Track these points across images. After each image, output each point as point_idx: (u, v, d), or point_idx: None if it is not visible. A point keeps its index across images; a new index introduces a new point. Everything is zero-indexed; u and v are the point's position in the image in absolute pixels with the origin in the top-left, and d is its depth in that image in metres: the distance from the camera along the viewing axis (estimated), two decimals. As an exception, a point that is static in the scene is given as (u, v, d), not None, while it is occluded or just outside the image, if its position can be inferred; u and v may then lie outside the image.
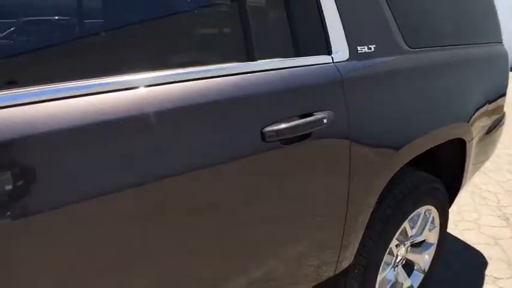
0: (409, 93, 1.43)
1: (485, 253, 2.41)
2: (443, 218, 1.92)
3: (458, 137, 1.75)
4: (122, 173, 0.79)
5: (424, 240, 1.93)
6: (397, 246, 1.74)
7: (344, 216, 1.30)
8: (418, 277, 1.95)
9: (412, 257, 1.88)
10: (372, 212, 1.53)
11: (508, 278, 2.20)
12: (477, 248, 2.45)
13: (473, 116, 1.84)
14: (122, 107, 0.80)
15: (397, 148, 1.37)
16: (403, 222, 1.64)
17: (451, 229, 2.64)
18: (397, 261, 1.81)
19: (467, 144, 1.84)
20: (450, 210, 2.86)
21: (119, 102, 0.80)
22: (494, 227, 2.65)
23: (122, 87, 0.83)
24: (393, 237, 1.62)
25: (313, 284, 1.39)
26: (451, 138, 1.69)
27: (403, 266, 1.88)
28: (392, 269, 1.78)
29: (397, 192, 1.59)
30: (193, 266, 0.97)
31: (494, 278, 2.21)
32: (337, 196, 1.25)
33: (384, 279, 1.76)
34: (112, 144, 0.78)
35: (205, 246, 0.97)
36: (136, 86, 0.84)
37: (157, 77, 0.87)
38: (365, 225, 1.42)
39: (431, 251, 1.95)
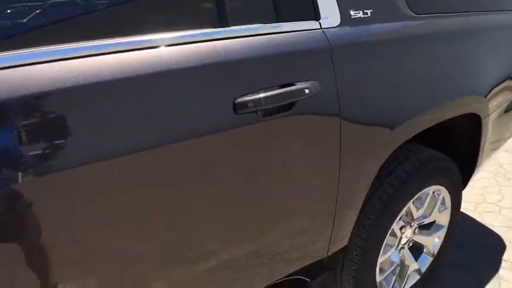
0: (412, 64, 1.32)
1: (504, 237, 2.27)
2: (456, 199, 1.81)
3: (472, 112, 1.62)
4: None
5: (434, 222, 1.83)
6: (402, 227, 1.65)
7: (335, 197, 1.22)
8: (426, 260, 1.86)
9: (419, 239, 1.78)
10: (371, 192, 1.44)
11: (527, 263, 2.07)
12: (496, 231, 2.32)
13: (490, 90, 1.70)
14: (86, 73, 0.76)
15: (395, 124, 1.27)
16: (407, 202, 1.55)
17: (470, 211, 2.51)
18: (403, 243, 1.72)
19: (483, 121, 1.70)
20: (471, 191, 2.71)
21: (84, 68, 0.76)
22: (517, 209, 2.50)
23: (84, 55, 0.78)
24: (395, 218, 1.53)
25: (305, 264, 1.33)
26: (462, 113, 1.56)
27: (411, 249, 1.79)
28: (397, 251, 1.69)
29: (401, 171, 1.49)
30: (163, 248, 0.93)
31: (512, 263, 2.09)
32: (326, 176, 1.17)
33: (386, 261, 1.67)
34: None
35: (176, 225, 0.93)
36: (102, 52, 0.79)
37: (122, 43, 0.82)
38: (360, 207, 1.34)
39: (442, 233, 1.85)
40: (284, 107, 0.99)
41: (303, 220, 1.21)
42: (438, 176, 1.64)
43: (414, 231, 1.74)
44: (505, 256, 2.13)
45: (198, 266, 1.03)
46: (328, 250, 1.33)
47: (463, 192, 2.67)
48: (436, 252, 1.87)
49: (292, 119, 1.01)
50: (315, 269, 1.40)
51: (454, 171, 1.71)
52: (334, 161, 1.16)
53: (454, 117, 1.65)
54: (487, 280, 1.99)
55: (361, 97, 1.18)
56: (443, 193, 1.72)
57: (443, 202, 1.77)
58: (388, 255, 1.64)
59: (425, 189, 1.61)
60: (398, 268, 1.71)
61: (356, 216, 1.35)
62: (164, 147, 0.85)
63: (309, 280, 1.42)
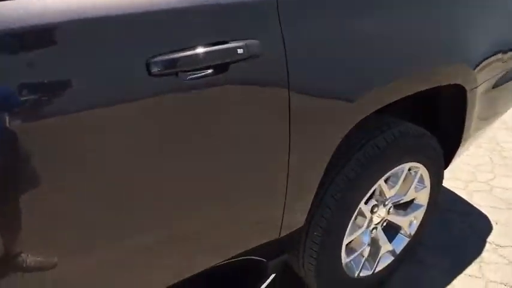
0: (381, 23, 1.17)
1: (492, 217, 2.15)
2: (436, 177, 1.68)
3: (456, 83, 1.47)
4: None
5: (412, 201, 1.71)
6: (374, 206, 1.53)
7: (284, 176, 1.11)
8: (402, 241, 1.75)
9: (395, 219, 1.67)
10: (338, 169, 1.33)
11: (512, 246, 1.96)
12: (484, 212, 2.20)
13: (480, 61, 1.54)
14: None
15: (356, 95, 1.13)
16: (377, 180, 1.43)
17: (459, 189, 2.38)
18: (376, 223, 1.61)
19: (468, 94, 1.55)
20: (463, 168, 2.58)
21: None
22: (508, 189, 2.36)
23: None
24: (364, 197, 1.42)
25: (255, 245, 1.23)
26: (442, 84, 1.41)
27: (386, 229, 1.68)
28: (368, 231, 1.58)
29: (372, 147, 1.36)
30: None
31: (497, 245, 1.97)
32: (271, 153, 1.05)
33: (355, 242, 1.57)
34: None
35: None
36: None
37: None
38: (316, 187, 1.22)
39: (420, 213, 1.74)
40: (213, 70, 0.86)
41: (246, 199, 1.10)
42: (415, 153, 1.51)
43: (389, 211, 1.63)
44: (490, 238, 2.02)
45: (128, 245, 0.93)
46: (280, 231, 1.23)
47: (454, 169, 2.57)
48: (412, 233, 1.76)
49: (225, 86, 0.88)
50: (270, 250, 1.30)
51: (434, 147, 1.58)
52: (281, 137, 1.04)
53: (436, 88, 1.51)
54: (469, 262, 1.89)
55: (316, 62, 1.04)
56: (421, 171, 1.60)
57: (421, 180, 1.64)
58: (357, 236, 1.54)
59: (400, 167, 1.48)
60: (369, 249, 1.61)
61: (312, 196, 1.23)
62: (66, 116, 0.73)
63: (265, 260, 1.33)
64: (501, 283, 1.77)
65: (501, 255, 1.91)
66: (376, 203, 1.53)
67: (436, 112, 1.70)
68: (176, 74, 0.81)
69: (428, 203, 1.73)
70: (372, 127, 1.42)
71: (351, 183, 1.34)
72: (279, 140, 1.04)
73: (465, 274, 1.82)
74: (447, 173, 2.50)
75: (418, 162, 1.54)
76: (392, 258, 1.73)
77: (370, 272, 1.66)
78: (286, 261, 1.47)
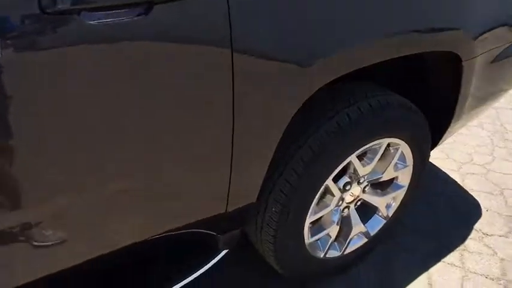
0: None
1: (483, 204, 2.00)
2: (420, 156, 1.52)
3: (448, 50, 1.29)
4: None
5: (392, 181, 1.57)
6: (347, 184, 1.39)
7: (228, 146, 0.97)
8: (377, 223, 1.62)
9: (370, 199, 1.53)
10: (301, 141, 1.18)
11: (500, 235, 1.82)
12: (476, 197, 2.04)
13: (482, 27, 1.35)
14: None
15: (313, 59, 0.97)
16: (348, 156, 1.28)
17: (452, 171, 2.22)
18: (348, 201, 1.48)
19: (464, 64, 1.36)
20: (460, 148, 2.40)
21: None
22: (506, 174, 2.20)
23: None
24: (331, 173, 1.27)
25: (200, 218, 1.11)
26: (429, 50, 1.23)
27: (361, 209, 1.55)
28: (338, 210, 1.45)
29: (343, 117, 1.21)
30: None
31: (484, 234, 1.83)
32: (210, 117, 0.91)
33: (322, 221, 1.45)
34: None
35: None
36: None
37: None
38: (268, 160, 1.08)
39: (400, 194, 1.59)
40: (129, 10, 0.70)
41: (183, 168, 0.97)
42: (396, 127, 1.35)
43: (364, 190, 1.49)
44: (477, 225, 1.88)
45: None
46: (227, 205, 1.10)
47: (450, 148, 2.40)
48: (390, 215, 1.62)
49: (145, 33, 0.73)
50: (220, 224, 1.18)
51: (419, 123, 1.41)
52: (223, 100, 0.89)
53: (426, 56, 1.33)
54: (450, 250, 1.76)
55: (266, 14, 0.87)
56: (403, 148, 1.44)
57: (402, 159, 1.49)
58: (324, 215, 1.40)
59: (377, 142, 1.33)
60: (338, 229, 1.48)
61: (264, 169, 1.09)
62: None
63: (215, 234, 1.21)
64: (481, 274, 1.64)
65: (486, 245, 1.77)
66: (349, 180, 1.39)
67: (426, 84, 1.52)
68: (78, 12, 0.66)
69: (410, 184, 1.58)
70: (346, 95, 1.26)
71: (315, 156, 1.19)
72: (220, 104, 0.89)
73: (444, 262, 1.70)
74: (441, 152, 2.36)
75: (398, 138, 1.38)
76: (366, 240, 1.60)
77: (338, 253, 1.54)
78: (247, 237, 1.35)
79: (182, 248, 1.27)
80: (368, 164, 1.38)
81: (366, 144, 1.30)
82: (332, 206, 1.38)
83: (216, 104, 0.90)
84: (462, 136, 2.51)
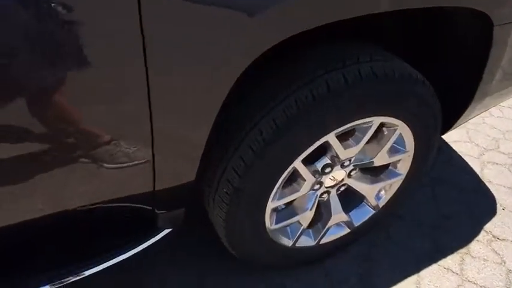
0: None
1: (500, 200, 1.71)
2: (425, 142, 1.24)
3: (477, 9, 0.98)
4: None
5: (387, 167, 1.30)
6: (326, 166, 1.14)
7: (145, 118, 0.76)
8: (364, 213, 1.37)
9: (356, 185, 1.28)
10: (261, 114, 0.94)
11: (513, 242, 1.54)
12: (493, 191, 1.75)
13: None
14: None
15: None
16: (324, 134, 1.02)
17: (472, 158, 1.91)
18: (329, 185, 1.23)
19: (496, 30, 1.05)
20: (486, 132, 2.07)
21: None
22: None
23: None
24: (299, 154, 1.03)
25: (124, 195, 0.91)
26: (448, 5, 0.93)
27: (345, 195, 1.31)
28: (315, 195, 1.21)
29: (321, 86, 0.94)
30: None
31: (493, 237, 1.56)
32: (122, 90, 0.70)
33: (291, 206, 1.22)
34: None
35: None
36: None
37: None
38: (205, 136, 0.86)
39: (396, 183, 1.33)
40: None
41: (99, 144, 0.76)
42: (392, 104, 1.07)
43: (350, 174, 1.24)
44: (488, 226, 1.60)
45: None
46: (154, 183, 0.89)
47: (474, 130, 2.07)
48: (382, 205, 1.37)
49: None
50: (154, 202, 0.98)
51: (426, 101, 1.12)
52: (130, 62, 0.67)
53: (448, 14, 1.03)
54: (450, 251, 1.51)
55: None
56: (402, 130, 1.16)
57: (401, 143, 1.22)
58: (293, 199, 1.18)
59: (364, 121, 1.06)
60: (311, 216, 1.25)
61: (200, 146, 0.87)
62: None
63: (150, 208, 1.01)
64: (481, 286, 1.39)
65: (494, 251, 1.51)
66: (329, 162, 1.14)
67: (444, 52, 1.21)
68: None
69: (409, 173, 1.32)
70: (331, 57, 0.99)
71: (279, 133, 0.95)
72: (129, 66, 0.67)
73: (440, 265, 1.45)
74: (462, 133, 2.04)
75: (396, 117, 1.11)
76: (348, 230, 1.37)
77: (312, 243, 1.32)
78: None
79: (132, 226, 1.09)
80: (353, 145, 1.12)
81: (350, 123, 1.03)
82: (303, 192, 1.15)
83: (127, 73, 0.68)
84: (492, 118, 2.17)
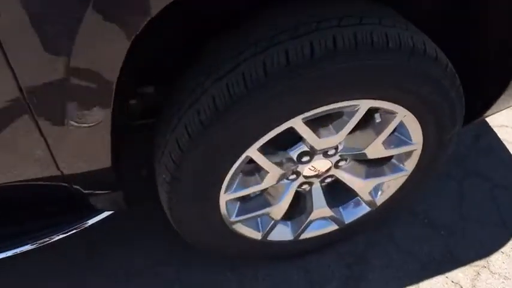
0: None
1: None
2: (438, 134, 0.98)
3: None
4: None
5: (389, 159, 1.06)
6: (303, 155, 0.93)
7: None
8: (358, 211, 1.16)
9: (345, 177, 1.06)
10: (197, 93, 0.75)
11: (547, 262, 1.26)
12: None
13: None
14: None
15: None
16: (284, 118, 0.80)
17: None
18: (309, 175, 1.02)
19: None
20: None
21: None
22: None
23: None
24: (253, 140, 0.82)
25: (31, 177, 0.78)
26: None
27: (335, 187, 1.10)
28: (292, 186, 1.01)
29: (272, 56, 0.71)
30: None
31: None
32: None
33: (260, 198, 1.03)
34: None
35: None
36: None
37: None
38: (107, 119, 0.69)
39: (399, 179, 1.09)
40: None
41: None
42: (384, 85, 0.82)
43: (337, 164, 1.02)
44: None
45: None
46: (58, 168, 0.74)
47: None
48: (379, 203, 1.14)
49: None
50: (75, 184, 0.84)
51: (440, 84, 0.85)
52: None
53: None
54: (465, 263, 1.26)
55: None
56: (404, 119, 0.91)
57: (405, 133, 0.96)
58: (259, 190, 0.99)
59: (347, 104, 0.82)
60: (285, 209, 1.06)
61: (104, 130, 0.70)
62: None
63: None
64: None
65: (496, 273, 1.23)
66: (306, 150, 0.93)
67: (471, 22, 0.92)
68: None
69: (417, 169, 1.07)
70: (301, 16, 0.75)
71: (222, 113, 0.74)
72: None
73: (448, 278, 1.23)
74: (502, 115, 1.68)
75: (392, 102, 0.85)
76: (336, 227, 1.17)
77: (290, 237, 1.14)
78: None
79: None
80: (333, 134, 0.89)
81: (321, 106, 0.80)
82: (267, 184, 0.95)
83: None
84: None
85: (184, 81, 0.83)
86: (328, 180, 1.07)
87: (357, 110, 0.84)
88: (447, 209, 1.39)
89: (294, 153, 0.93)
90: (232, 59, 0.75)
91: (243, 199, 1.01)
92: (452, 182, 1.47)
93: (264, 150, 0.88)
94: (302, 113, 0.79)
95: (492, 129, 1.65)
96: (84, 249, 1.21)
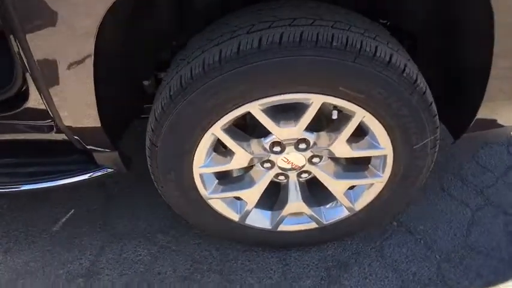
0: None
1: None
2: (407, 146, 1.00)
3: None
4: None
5: (366, 165, 1.10)
6: (275, 145, 1.03)
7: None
8: (336, 212, 1.20)
9: (319, 175, 1.12)
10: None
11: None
12: None
13: None
14: None
15: None
16: (240, 102, 0.91)
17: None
18: (284, 167, 1.10)
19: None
20: None
21: None
22: None
23: None
24: (213, 119, 0.94)
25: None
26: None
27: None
28: (268, 174, 1.11)
29: (228, 48, 0.85)
30: None
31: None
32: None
33: (235, 180, 1.15)
34: None
35: None
36: None
37: None
38: (89, 82, 0.87)
39: (374, 185, 1.12)
40: None
41: None
42: (327, 81, 0.88)
43: (311, 160, 1.09)
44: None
45: None
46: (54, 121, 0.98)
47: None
48: (357, 208, 1.17)
49: None
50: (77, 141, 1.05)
51: (396, 91, 0.89)
52: None
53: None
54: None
55: None
56: (367, 120, 0.96)
57: (373, 136, 1.00)
58: (241, 172, 1.11)
59: (298, 97, 0.91)
60: (258, 196, 1.14)
61: (88, 92, 0.90)
62: None
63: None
64: None
65: None
66: (277, 140, 1.02)
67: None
68: None
69: (393, 177, 1.08)
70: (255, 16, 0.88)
71: (184, 92, 0.89)
72: None
73: (425, 299, 1.18)
74: None
75: (348, 100, 0.91)
76: (316, 226, 1.22)
77: (269, 226, 1.22)
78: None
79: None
80: (292, 125, 0.97)
81: (273, 95, 0.90)
82: (235, 165, 1.06)
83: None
84: None
85: (171, 66, 1.00)
86: (306, 175, 1.14)
87: (311, 104, 0.93)
88: (451, 235, 1.34)
89: (266, 142, 1.03)
90: (199, 48, 0.90)
91: (222, 178, 1.13)
92: (466, 209, 1.41)
93: (235, 133, 1.01)
94: (254, 99, 0.90)
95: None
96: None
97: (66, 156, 1.13)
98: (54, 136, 1.06)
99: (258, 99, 0.91)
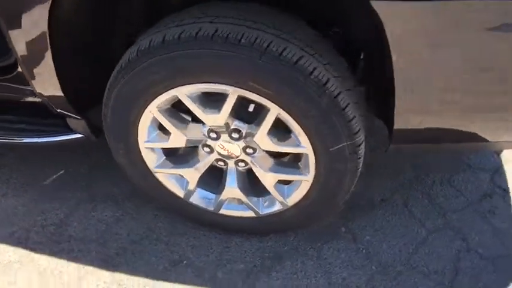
0: None
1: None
2: (321, 141, 1.04)
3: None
4: None
5: (297, 162, 1.16)
6: (211, 131, 1.13)
7: None
8: (271, 205, 1.26)
9: (253, 166, 1.19)
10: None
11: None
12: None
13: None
14: None
15: None
16: (169, 85, 1.02)
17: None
18: (223, 154, 1.20)
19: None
20: None
21: None
22: None
23: None
24: (147, 98, 1.07)
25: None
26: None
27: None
28: (208, 158, 1.21)
29: (156, 37, 0.97)
30: None
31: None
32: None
33: (180, 158, 1.27)
34: None
35: None
36: None
37: None
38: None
39: (299, 182, 1.17)
40: None
41: None
42: (246, 77, 0.97)
43: (245, 150, 1.17)
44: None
45: None
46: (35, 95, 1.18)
47: None
48: (289, 203, 1.23)
49: None
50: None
51: (301, 90, 0.95)
52: None
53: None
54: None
55: None
56: (283, 116, 1.02)
57: (295, 134, 1.06)
58: (173, 147, 1.22)
59: (217, 87, 1.01)
60: (197, 177, 1.25)
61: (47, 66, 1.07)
62: None
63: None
64: None
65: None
66: (217, 127, 1.13)
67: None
68: None
69: (317, 178, 1.13)
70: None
71: (123, 73, 1.04)
72: None
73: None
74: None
75: (261, 95, 0.99)
76: (253, 215, 1.30)
77: (212, 208, 1.32)
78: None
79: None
80: (217, 112, 1.07)
81: (194, 83, 1.01)
82: (172, 144, 1.18)
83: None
84: None
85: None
86: (243, 165, 1.23)
87: (228, 95, 1.02)
88: (395, 250, 1.34)
89: (205, 127, 1.14)
90: (148, 34, 1.03)
91: (168, 154, 1.26)
92: (422, 228, 1.39)
93: (174, 114, 1.13)
94: (178, 85, 1.02)
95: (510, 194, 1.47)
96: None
97: (44, 118, 1.33)
98: (36, 100, 1.27)
99: (181, 85, 1.02)
